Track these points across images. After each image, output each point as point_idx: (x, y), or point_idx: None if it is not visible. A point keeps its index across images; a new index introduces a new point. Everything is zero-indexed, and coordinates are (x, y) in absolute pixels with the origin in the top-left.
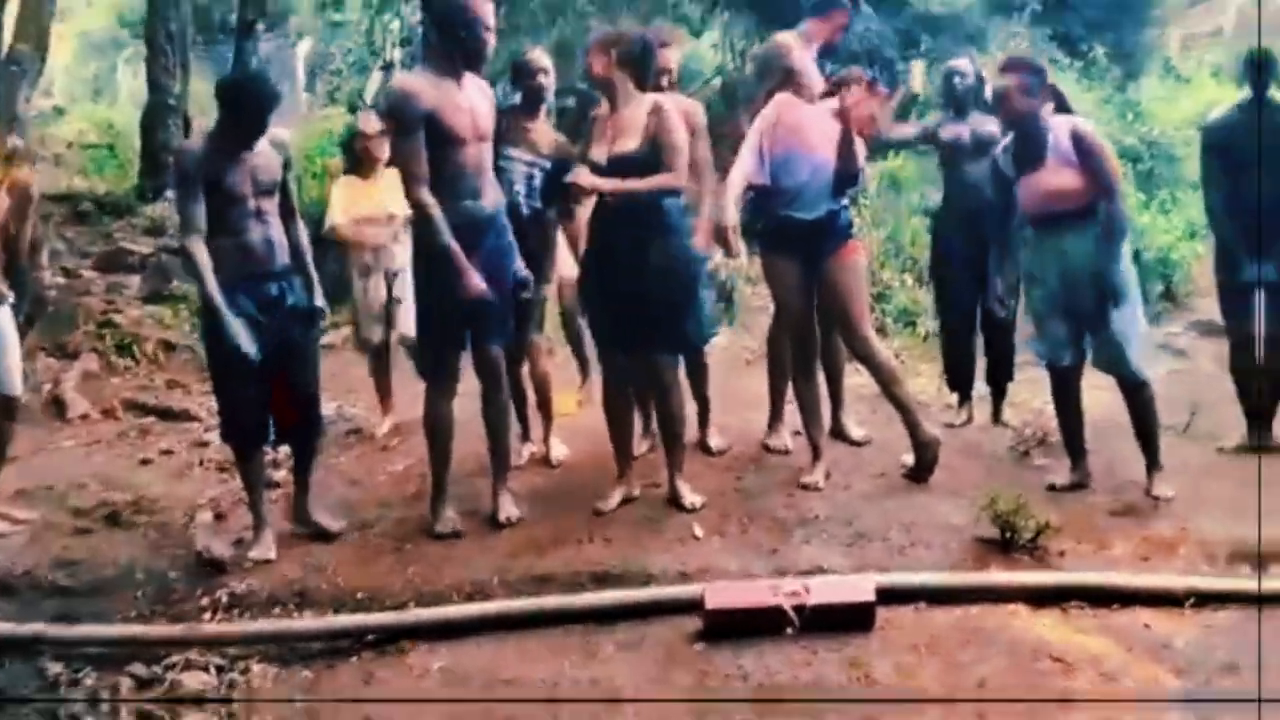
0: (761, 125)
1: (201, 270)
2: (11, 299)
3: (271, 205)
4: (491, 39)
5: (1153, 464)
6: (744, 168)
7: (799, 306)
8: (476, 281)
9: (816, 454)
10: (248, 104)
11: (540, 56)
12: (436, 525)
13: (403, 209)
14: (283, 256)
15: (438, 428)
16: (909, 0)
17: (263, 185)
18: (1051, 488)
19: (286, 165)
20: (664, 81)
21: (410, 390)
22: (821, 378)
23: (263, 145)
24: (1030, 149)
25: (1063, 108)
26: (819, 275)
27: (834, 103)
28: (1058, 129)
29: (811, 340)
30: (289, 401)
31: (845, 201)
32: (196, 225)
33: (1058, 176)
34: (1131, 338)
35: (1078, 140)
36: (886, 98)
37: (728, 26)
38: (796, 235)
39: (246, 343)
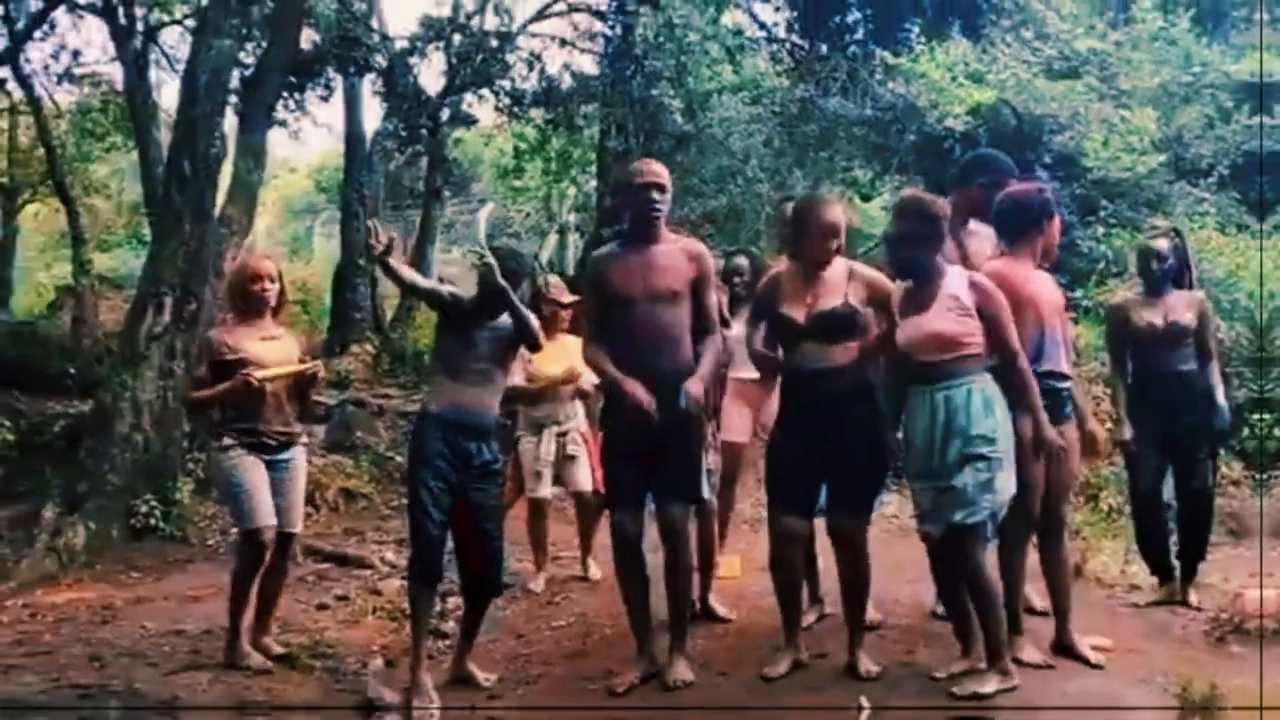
0: None
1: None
2: (305, 440)
3: (500, 375)
4: (658, 196)
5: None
6: None
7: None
8: (642, 395)
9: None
10: (510, 267)
11: (742, 265)
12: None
13: (580, 371)
14: (489, 418)
15: (629, 558)
16: (1087, 166)
17: (498, 349)
18: (933, 678)
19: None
20: None
21: (571, 548)
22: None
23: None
24: (919, 293)
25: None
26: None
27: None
28: (952, 276)
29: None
30: (475, 555)
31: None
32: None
33: (942, 321)
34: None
35: (975, 289)
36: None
37: (896, 188)
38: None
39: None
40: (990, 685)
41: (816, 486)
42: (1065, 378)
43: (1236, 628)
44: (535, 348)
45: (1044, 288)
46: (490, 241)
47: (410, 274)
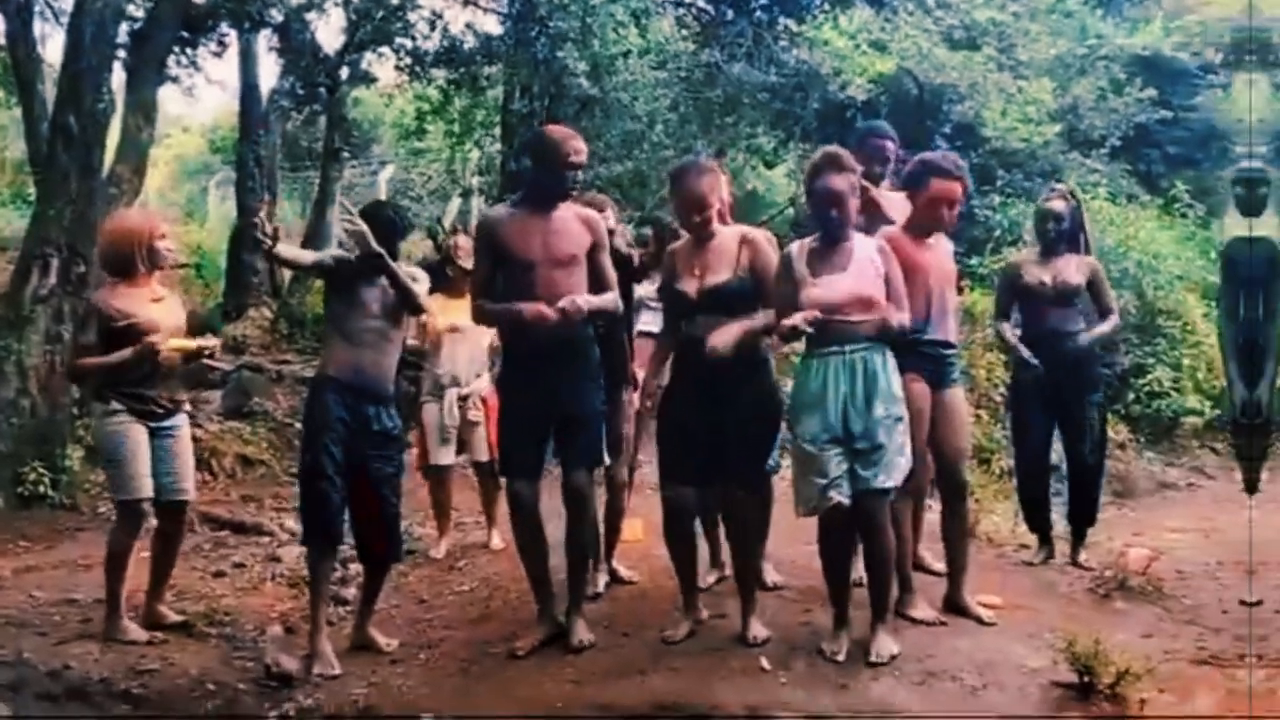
0: None
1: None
2: (187, 408)
3: (396, 333)
4: (578, 177)
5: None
6: None
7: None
8: (543, 309)
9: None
10: (381, 227)
11: (608, 214)
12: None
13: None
14: (388, 381)
15: (525, 524)
16: (985, 136)
17: (390, 307)
18: (825, 654)
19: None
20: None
21: (474, 514)
22: None
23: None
24: (834, 252)
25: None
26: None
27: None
28: (860, 238)
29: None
30: (372, 522)
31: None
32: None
33: (863, 281)
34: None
35: (882, 253)
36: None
37: (801, 157)
38: None
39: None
40: (895, 644)
41: (708, 456)
42: (951, 346)
43: (1120, 585)
44: (416, 311)
45: (936, 256)
46: (389, 204)
47: (295, 254)
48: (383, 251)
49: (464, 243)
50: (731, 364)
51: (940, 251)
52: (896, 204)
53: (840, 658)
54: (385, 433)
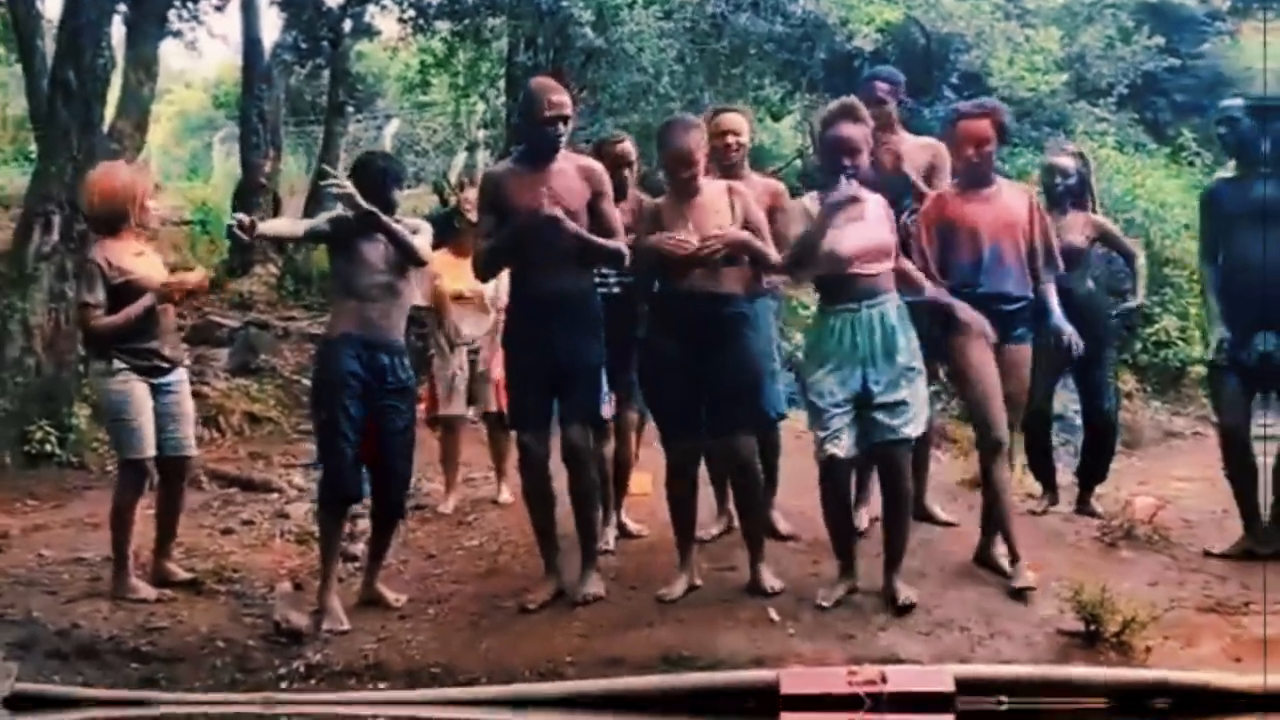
0: None
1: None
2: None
3: (404, 285)
4: (562, 127)
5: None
6: None
7: None
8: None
9: (1014, 553)
10: (371, 180)
11: (628, 149)
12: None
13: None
14: (399, 334)
15: (533, 475)
16: (992, 85)
17: (394, 260)
18: (819, 606)
19: None
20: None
21: (483, 468)
22: None
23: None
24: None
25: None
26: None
27: None
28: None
29: None
30: (384, 476)
31: None
32: None
33: (882, 231)
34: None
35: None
36: None
37: (808, 109)
38: None
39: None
40: (911, 591)
41: (701, 409)
42: (1013, 300)
43: (1127, 534)
44: (418, 263)
45: (991, 208)
46: (378, 154)
47: (284, 228)
48: (374, 209)
49: (472, 196)
50: (716, 316)
51: (1000, 202)
52: (914, 150)
53: (826, 604)
54: (399, 385)
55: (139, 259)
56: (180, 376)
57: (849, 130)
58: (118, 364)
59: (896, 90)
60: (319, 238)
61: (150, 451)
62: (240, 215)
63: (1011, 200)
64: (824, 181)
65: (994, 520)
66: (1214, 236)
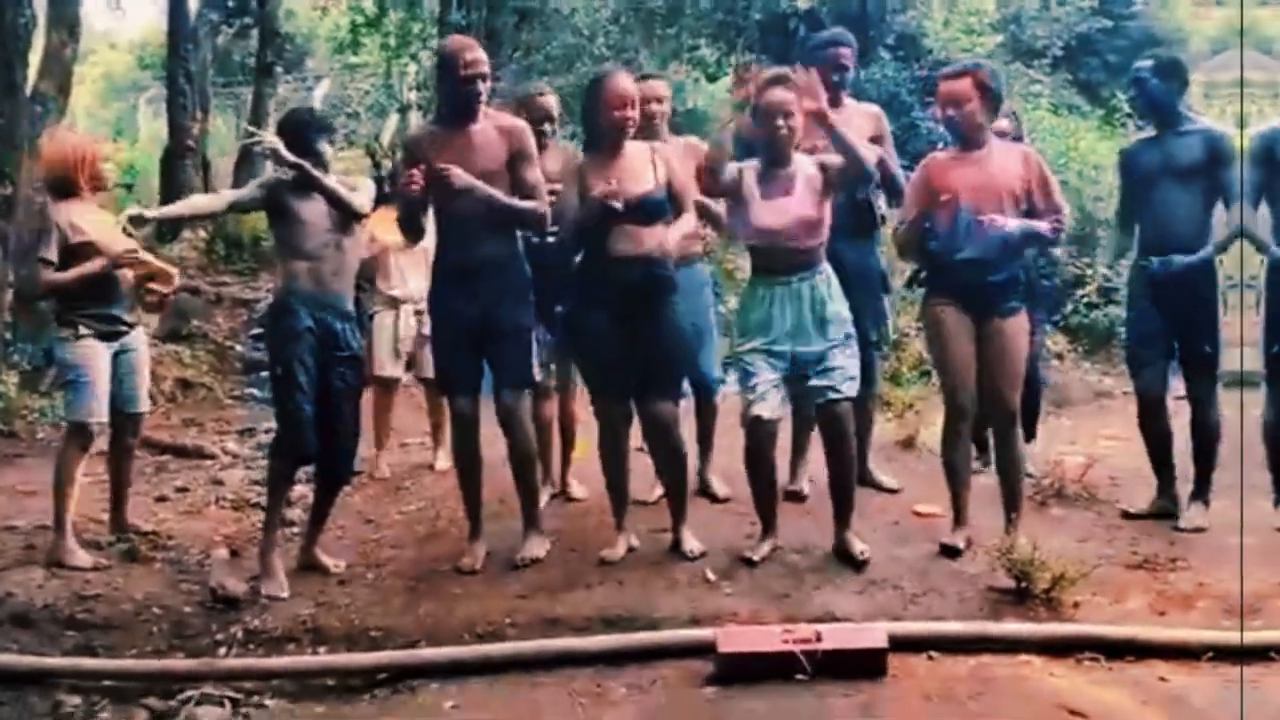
0: None
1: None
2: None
3: (349, 241)
4: (481, 85)
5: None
6: None
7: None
8: (411, 173)
9: (959, 519)
10: (297, 134)
11: (550, 103)
12: (463, 559)
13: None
14: (348, 296)
15: (463, 438)
16: (928, 47)
17: (336, 217)
18: (747, 560)
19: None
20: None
21: (420, 434)
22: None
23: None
24: (777, 175)
25: None
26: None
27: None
28: (801, 159)
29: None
30: (332, 439)
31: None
32: None
33: (808, 205)
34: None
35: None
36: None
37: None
38: None
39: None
40: (863, 544)
41: (632, 369)
42: (998, 268)
43: (1057, 493)
44: (356, 216)
45: (978, 171)
46: (298, 109)
47: (202, 204)
48: (301, 162)
49: None
50: (642, 279)
51: (989, 166)
52: (857, 117)
53: (755, 559)
54: (349, 351)
55: (97, 223)
56: (138, 336)
57: (779, 94)
58: (82, 330)
59: (852, 54)
60: (249, 206)
61: (102, 416)
62: (130, 212)
63: (1004, 162)
64: (762, 149)
65: (1011, 492)
66: (1131, 197)
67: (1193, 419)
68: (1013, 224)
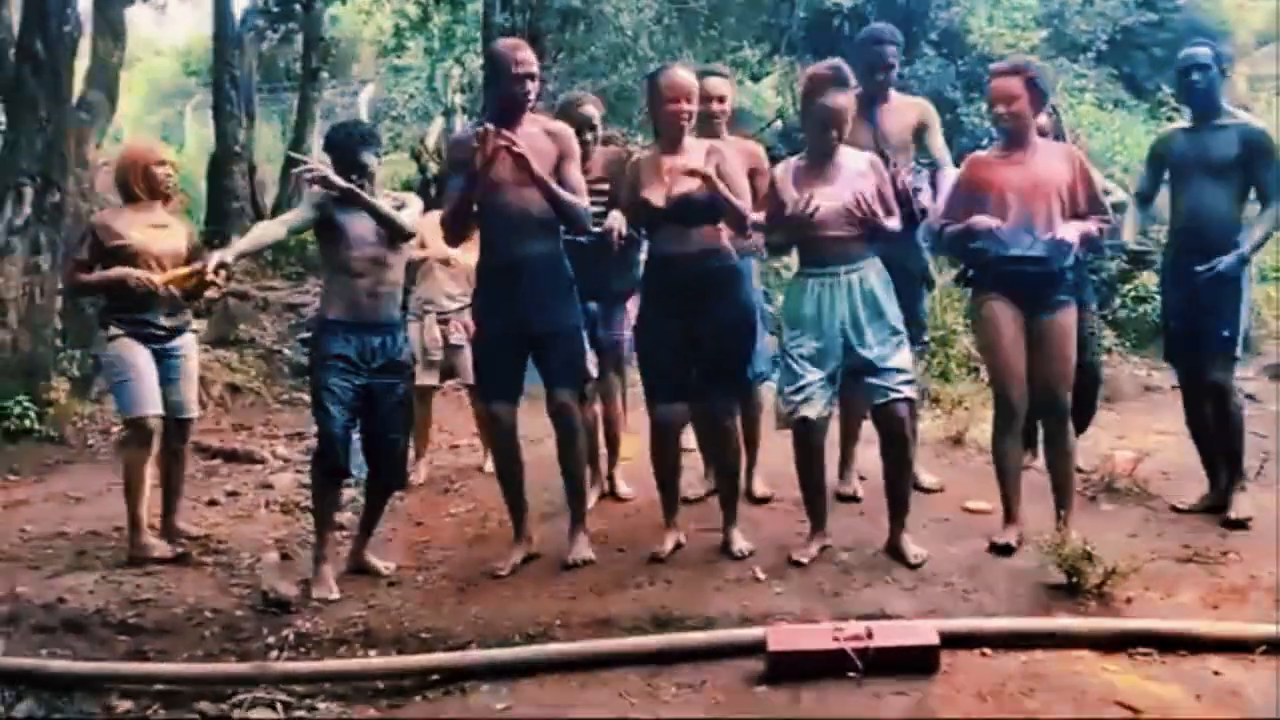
0: None
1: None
2: (194, 328)
3: (394, 257)
4: (530, 85)
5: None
6: None
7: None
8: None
9: (1010, 516)
10: (344, 149)
11: (591, 112)
12: (497, 563)
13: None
14: (391, 310)
15: (502, 446)
16: (972, 43)
17: (381, 232)
18: (796, 562)
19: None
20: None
21: (469, 436)
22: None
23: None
24: (822, 166)
25: None
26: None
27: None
28: (847, 152)
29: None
30: (379, 448)
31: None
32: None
33: (851, 194)
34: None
35: (872, 164)
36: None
37: (788, 70)
38: None
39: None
40: (920, 547)
41: (688, 371)
42: (1045, 263)
43: (1107, 487)
44: (404, 237)
45: (1024, 170)
46: (343, 124)
47: (265, 235)
48: (351, 187)
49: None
50: (704, 275)
51: (1035, 165)
52: (904, 110)
53: (804, 560)
54: (391, 361)
55: (151, 229)
56: (186, 341)
57: (838, 100)
58: (115, 330)
59: (897, 52)
60: (305, 226)
61: (155, 409)
62: (213, 263)
63: (1050, 161)
64: (807, 147)
65: (1062, 489)
66: (1155, 184)
67: (1215, 409)
68: (1072, 234)
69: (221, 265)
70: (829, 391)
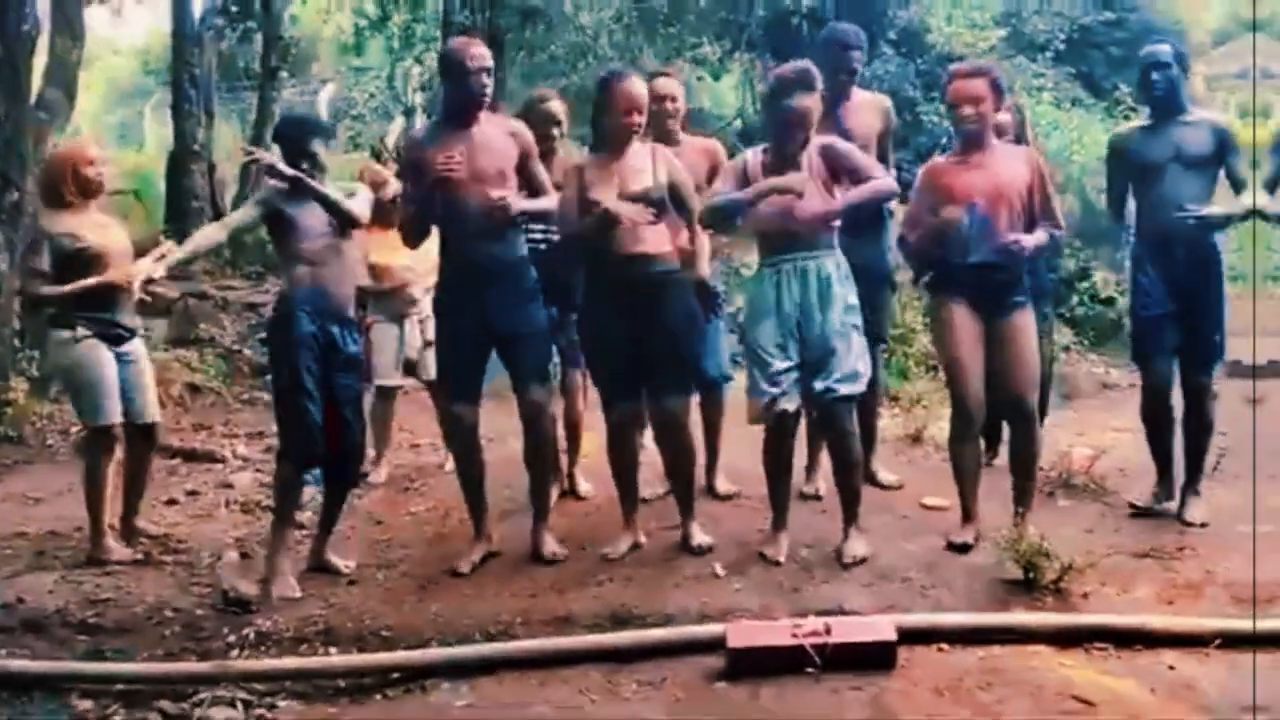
0: None
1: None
2: (144, 330)
3: (348, 245)
4: (486, 80)
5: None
6: None
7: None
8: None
9: (968, 515)
10: (293, 139)
11: (556, 108)
12: (459, 563)
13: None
14: (349, 303)
15: (463, 446)
16: (931, 42)
17: (331, 223)
18: (774, 561)
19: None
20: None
21: (430, 435)
22: None
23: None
24: (783, 161)
25: None
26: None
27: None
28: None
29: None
30: (337, 443)
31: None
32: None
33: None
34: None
35: (823, 154)
36: None
37: (748, 68)
38: None
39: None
40: (865, 547)
41: (639, 370)
42: (1004, 269)
43: (1065, 483)
44: (354, 224)
45: (981, 175)
46: (291, 116)
47: (206, 239)
48: (298, 174)
49: (375, 167)
50: (646, 277)
51: (994, 168)
52: (866, 109)
53: (780, 559)
54: (349, 355)
55: (104, 230)
56: (138, 345)
57: (803, 102)
58: (81, 331)
59: (863, 55)
60: (250, 227)
61: (118, 417)
62: (141, 277)
63: (1008, 164)
64: (771, 146)
65: (1023, 491)
66: (1124, 184)
67: (1190, 410)
68: (1029, 242)
69: (149, 281)
70: (797, 380)
